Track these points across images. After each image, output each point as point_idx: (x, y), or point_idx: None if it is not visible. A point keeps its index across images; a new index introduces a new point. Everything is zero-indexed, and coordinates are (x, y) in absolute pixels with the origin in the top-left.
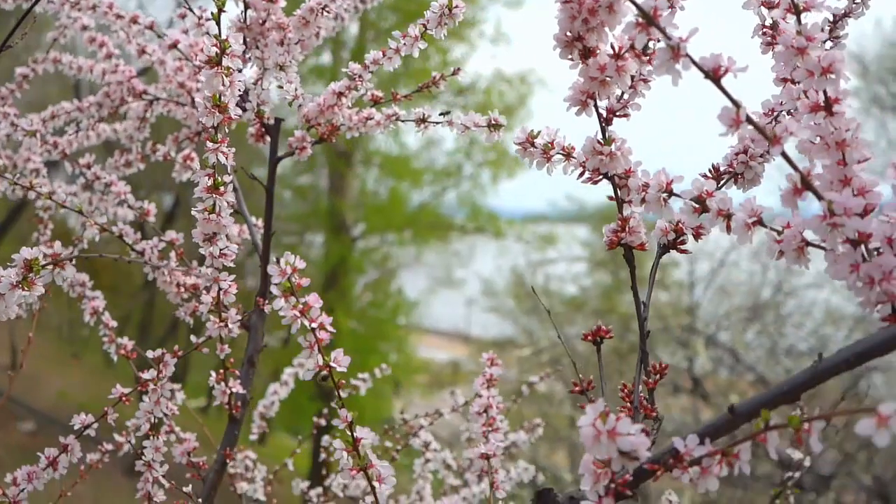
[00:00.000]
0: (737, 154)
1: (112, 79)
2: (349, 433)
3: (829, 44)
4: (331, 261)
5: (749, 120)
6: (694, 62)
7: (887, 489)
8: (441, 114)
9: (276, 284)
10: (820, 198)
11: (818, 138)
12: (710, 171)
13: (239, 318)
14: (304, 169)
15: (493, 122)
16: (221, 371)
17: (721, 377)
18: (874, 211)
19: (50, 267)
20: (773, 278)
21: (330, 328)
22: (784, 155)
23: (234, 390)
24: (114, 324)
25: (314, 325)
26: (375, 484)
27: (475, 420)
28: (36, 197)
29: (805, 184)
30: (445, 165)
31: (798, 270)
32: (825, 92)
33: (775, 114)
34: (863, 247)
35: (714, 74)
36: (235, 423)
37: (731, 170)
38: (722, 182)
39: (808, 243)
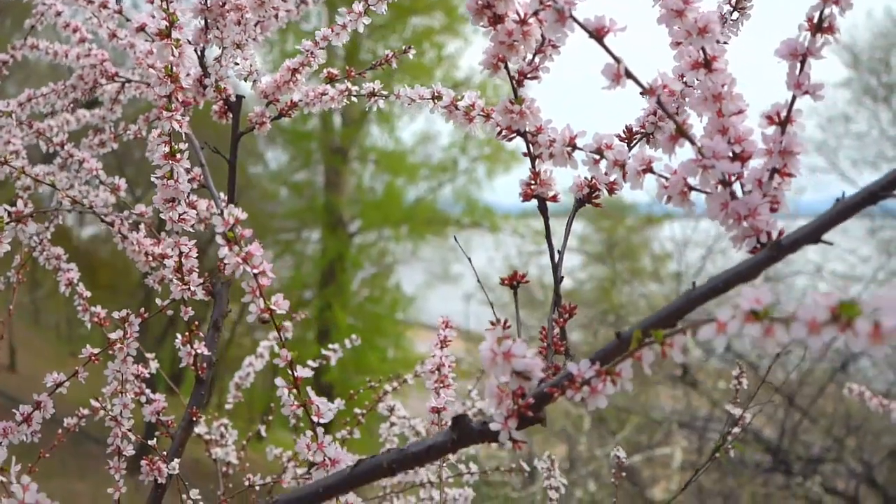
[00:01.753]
0: (647, 115)
1: (86, 62)
2: (290, 372)
3: (735, 14)
4: (328, 257)
5: (628, 74)
6: (579, 23)
7: (875, 473)
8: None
9: (219, 234)
10: (693, 143)
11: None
12: (623, 131)
13: (200, 281)
14: (300, 166)
15: (436, 94)
16: (187, 333)
17: (712, 366)
18: (750, 158)
19: (13, 224)
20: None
21: (271, 274)
22: (661, 105)
23: (199, 352)
24: (87, 294)
25: (256, 271)
26: (314, 418)
27: (428, 378)
28: (9, 173)
29: (680, 131)
30: (441, 160)
31: (786, 258)
32: (703, 50)
33: (684, 78)
34: (739, 187)
35: (598, 34)
36: (201, 384)
37: (642, 130)
38: (634, 142)
39: (691, 188)
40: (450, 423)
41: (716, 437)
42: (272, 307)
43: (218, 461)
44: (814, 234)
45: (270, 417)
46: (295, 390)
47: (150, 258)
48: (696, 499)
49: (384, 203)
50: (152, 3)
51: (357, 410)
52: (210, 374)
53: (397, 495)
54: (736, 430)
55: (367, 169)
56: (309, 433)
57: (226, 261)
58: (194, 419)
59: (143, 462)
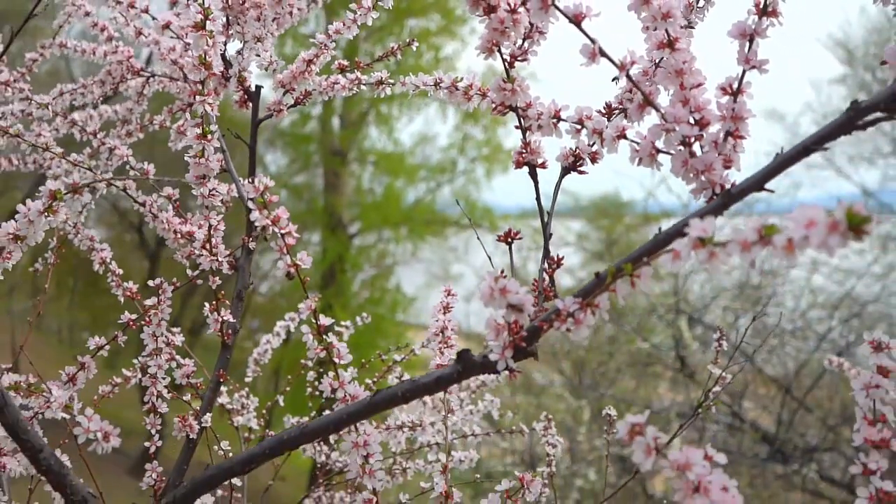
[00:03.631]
0: (624, 92)
1: (113, 59)
2: (314, 320)
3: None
4: (328, 258)
5: (602, 52)
6: (560, 10)
7: None
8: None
9: (251, 199)
10: (658, 110)
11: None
12: (604, 107)
13: (227, 252)
14: (299, 168)
15: (438, 80)
16: (214, 302)
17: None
18: (708, 124)
19: (70, 194)
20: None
21: (295, 234)
22: (629, 79)
23: (225, 319)
24: (120, 271)
25: (283, 231)
26: (337, 360)
27: (433, 340)
28: (50, 158)
29: (646, 101)
30: (440, 161)
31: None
32: (667, 32)
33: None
34: (698, 147)
35: (576, 19)
36: (227, 349)
37: (620, 106)
38: (614, 116)
39: (658, 150)
40: (455, 358)
41: (714, 427)
42: (297, 262)
43: (239, 428)
44: (758, 183)
45: (288, 388)
46: (319, 336)
47: (178, 235)
48: None
49: (383, 204)
50: (175, 3)
51: (368, 381)
52: (234, 339)
53: (406, 459)
54: (716, 388)
55: (366, 171)
56: (331, 373)
57: (256, 223)
58: (221, 381)
59: (176, 419)
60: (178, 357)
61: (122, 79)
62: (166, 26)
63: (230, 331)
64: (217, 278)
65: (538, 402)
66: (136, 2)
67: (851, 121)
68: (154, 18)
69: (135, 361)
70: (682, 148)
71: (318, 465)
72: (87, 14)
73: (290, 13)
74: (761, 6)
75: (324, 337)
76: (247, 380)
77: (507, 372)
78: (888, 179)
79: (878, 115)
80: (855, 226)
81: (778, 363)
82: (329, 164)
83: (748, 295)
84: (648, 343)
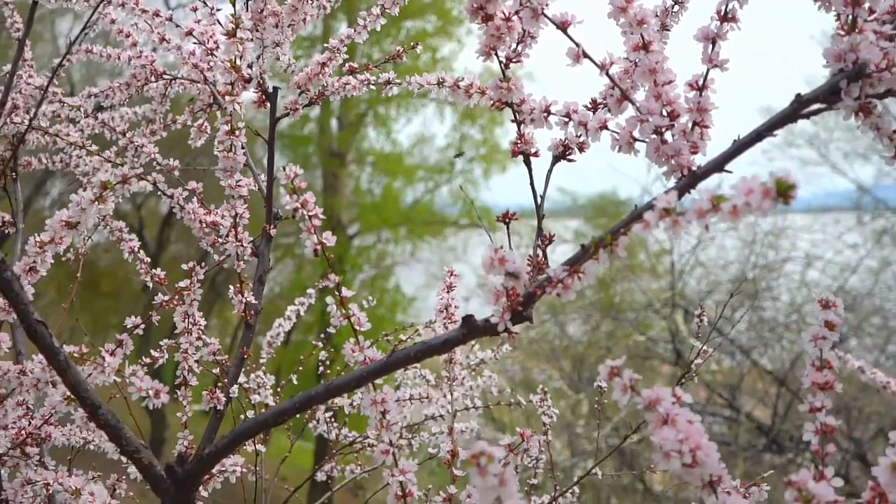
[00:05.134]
0: (607, 89)
1: (137, 63)
2: (338, 294)
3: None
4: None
5: (585, 55)
6: (548, 18)
7: (865, 451)
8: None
9: (283, 185)
10: (633, 104)
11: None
12: (590, 102)
13: (251, 239)
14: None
15: (440, 79)
16: (238, 285)
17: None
18: (678, 116)
19: (120, 185)
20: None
21: (321, 216)
22: (609, 77)
23: (248, 300)
24: (148, 259)
25: (311, 213)
26: (358, 327)
27: (438, 317)
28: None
29: (623, 95)
30: (438, 161)
31: (777, 246)
32: (642, 36)
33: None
34: (669, 136)
35: (562, 26)
36: (250, 328)
37: (604, 101)
38: (598, 110)
39: (635, 138)
40: (460, 322)
41: (710, 419)
42: (323, 240)
43: (256, 406)
44: (718, 165)
45: (300, 368)
46: (341, 305)
47: (203, 225)
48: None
49: (382, 205)
50: (196, 10)
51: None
52: (256, 319)
53: (412, 433)
54: (699, 360)
55: (364, 171)
56: (352, 340)
57: (287, 207)
58: (245, 357)
59: (204, 392)
60: (204, 336)
61: (146, 81)
62: (189, 33)
63: (252, 311)
64: (242, 262)
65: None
66: (160, 11)
67: (796, 111)
68: (178, 26)
69: (161, 343)
70: (655, 136)
71: (330, 442)
72: (113, 22)
73: (304, 20)
74: (722, 13)
75: (345, 306)
76: (261, 361)
77: (506, 333)
78: (883, 175)
79: (819, 105)
80: (782, 192)
81: (774, 357)
82: (327, 166)
83: (744, 289)
84: (645, 336)
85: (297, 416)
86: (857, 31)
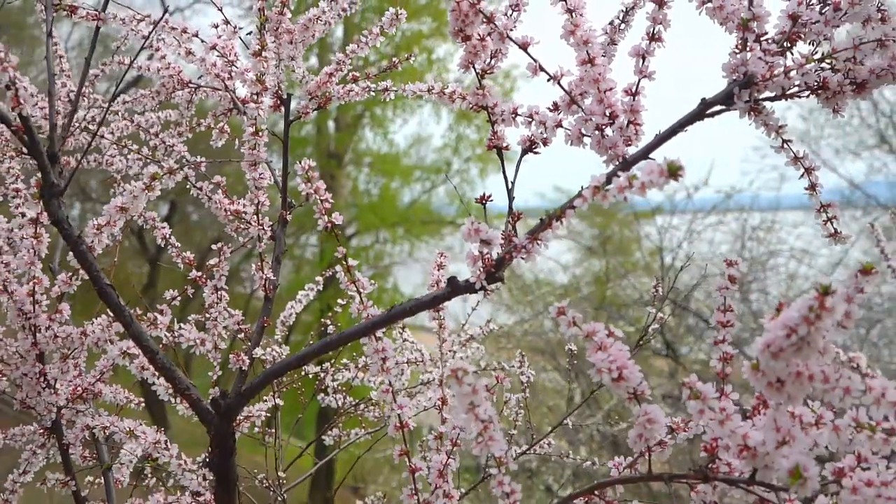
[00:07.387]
0: (562, 95)
1: (165, 73)
2: (345, 263)
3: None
4: (326, 260)
5: (541, 68)
6: (511, 39)
7: None
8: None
9: (298, 175)
10: (580, 107)
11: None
12: (552, 104)
13: (271, 223)
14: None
15: (430, 87)
16: (259, 263)
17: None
18: (617, 116)
19: (166, 176)
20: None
21: (331, 200)
22: (560, 85)
23: (268, 276)
24: (178, 245)
25: (322, 198)
26: (361, 290)
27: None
28: (103, 139)
29: (572, 100)
30: (434, 162)
31: (764, 240)
32: (587, 52)
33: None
34: (609, 131)
35: (523, 46)
36: (269, 301)
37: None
38: (557, 112)
39: (583, 134)
40: (446, 282)
41: None
42: (333, 220)
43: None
44: (643, 154)
45: (312, 332)
46: (348, 272)
47: (227, 213)
48: (683, 466)
49: (380, 206)
50: (217, 27)
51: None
52: (275, 293)
53: (408, 396)
54: (655, 326)
55: (361, 172)
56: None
57: (302, 192)
58: (265, 325)
59: (231, 355)
60: (229, 309)
61: (174, 89)
62: (213, 47)
63: (272, 286)
64: (262, 244)
65: (539, 400)
66: (188, 28)
67: (701, 111)
68: (203, 41)
69: (190, 318)
70: (597, 132)
71: (335, 411)
72: (145, 38)
73: (313, 35)
74: (651, 34)
75: (351, 274)
76: (276, 337)
77: (482, 291)
78: (874, 171)
79: (720, 107)
80: (672, 172)
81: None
82: (325, 167)
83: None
84: (634, 328)
85: (310, 381)
86: (747, 49)
